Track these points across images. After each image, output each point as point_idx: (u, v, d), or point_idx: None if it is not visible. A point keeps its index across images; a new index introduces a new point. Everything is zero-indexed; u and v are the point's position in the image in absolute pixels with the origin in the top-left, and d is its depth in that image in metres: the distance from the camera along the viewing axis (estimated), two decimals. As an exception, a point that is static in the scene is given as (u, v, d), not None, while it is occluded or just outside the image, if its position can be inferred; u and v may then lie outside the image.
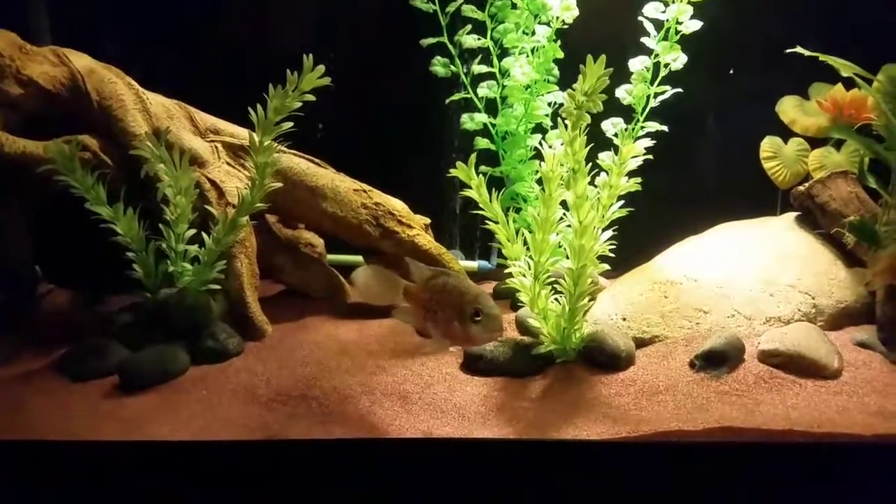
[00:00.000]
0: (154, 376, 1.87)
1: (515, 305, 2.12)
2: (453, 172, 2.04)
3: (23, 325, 2.20)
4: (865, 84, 2.08)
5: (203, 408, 1.78)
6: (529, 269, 1.93)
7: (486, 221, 2.05)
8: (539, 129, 2.41)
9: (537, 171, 2.41)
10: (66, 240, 2.23)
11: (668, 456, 1.58)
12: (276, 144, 2.00)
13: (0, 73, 2.02)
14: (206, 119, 2.26)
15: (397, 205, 2.37)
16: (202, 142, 2.21)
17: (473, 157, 2.02)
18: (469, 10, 2.29)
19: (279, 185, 2.10)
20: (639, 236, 2.37)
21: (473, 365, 1.94)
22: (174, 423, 1.71)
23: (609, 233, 1.93)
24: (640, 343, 2.02)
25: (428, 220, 2.47)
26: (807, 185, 2.28)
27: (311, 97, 1.92)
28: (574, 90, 1.74)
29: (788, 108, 2.55)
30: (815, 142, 2.49)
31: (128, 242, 2.02)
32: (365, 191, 2.35)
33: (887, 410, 1.72)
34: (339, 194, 2.31)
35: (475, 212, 2.11)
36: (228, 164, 2.23)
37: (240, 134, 2.29)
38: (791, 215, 2.39)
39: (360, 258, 2.53)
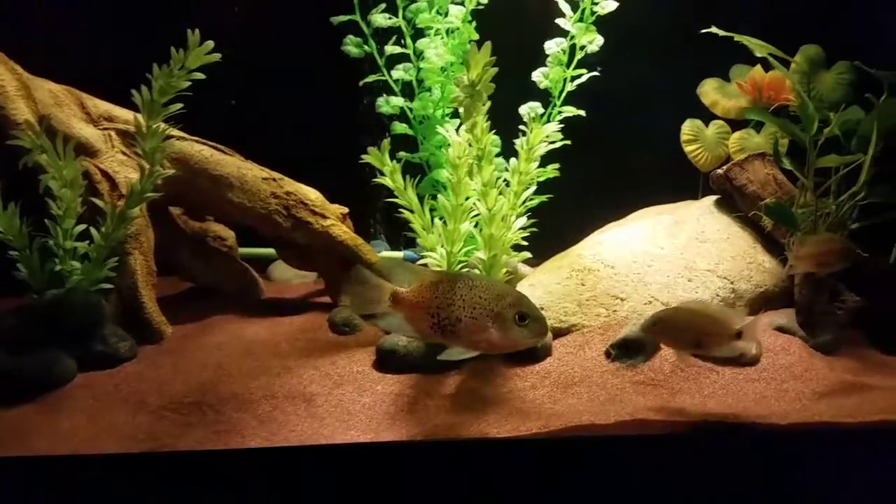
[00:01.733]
0: (36, 384, 1.72)
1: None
2: (366, 158, 1.94)
3: None
4: (780, 65, 2.05)
5: (88, 418, 1.65)
6: (441, 258, 1.85)
7: (401, 210, 1.96)
8: (458, 113, 2.31)
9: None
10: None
11: (574, 451, 1.52)
12: (168, 128, 1.86)
13: None
14: (100, 105, 2.09)
15: (310, 194, 2.24)
16: (94, 130, 2.04)
17: (387, 142, 1.92)
18: None
19: (170, 172, 1.96)
20: (568, 222, 2.33)
21: (386, 362, 1.85)
22: (54, 436, 1.57)
23: (523, 220, 1.86)
24: (558, 332, 1.96)
25: (346, 210, 2.35)
26: (724, 167, 2.26)
27: (200, 75, 1.78)
28: (463, 77, 1.66)
29: (709, 91, 2.52)
30: (736, 124, 2.47)
31: (9, 240, 1.85)
32: (275, 179, 2.22)
33: (805, 397, 1.70)
34: (246, 183, 2.17)
35: (389, 200, 2.01)
36: (124, 153, 2.07)
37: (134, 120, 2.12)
38: (710, 199, 2.36)
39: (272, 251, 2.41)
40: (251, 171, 2.20)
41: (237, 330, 2.10)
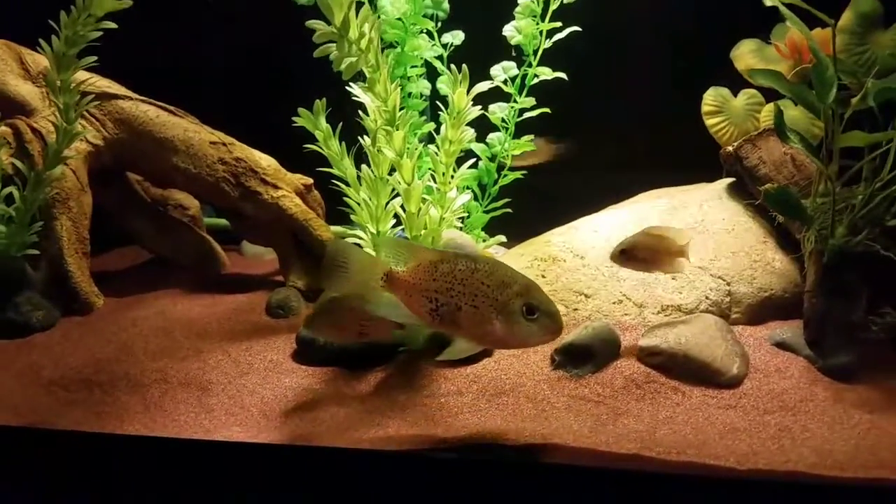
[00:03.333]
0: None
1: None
2: (298, 121, 1.72)
3: None
4: (795, 18, 1.62)
5: (-22, 389, 1.57)
6: (368, 240, 1.61)
7: (336, 182, 1.73)
8: (434, 73, 2.04)
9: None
10: None
11: (455, 472, 1.26)
12: (88, 83, 1.72)
13: None
14: (41, 61, 1.99)
15: (262, 161, 2.06)
16: (32, 87, 1.95)
17: (322, 102, 1.69)
18: None
19: (85, 131, 1.82)
20: (561, 204, 2.03)
21: (304, 353, 1.65)
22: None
23: (465, 197, 1.58)
24: (507, 331, 1.68)
25: (309, 181, 2.15)
26: (734, 144, 1.86)
27: (111, 24, 1.63)
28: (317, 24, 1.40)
29: (745, 54, 2.08)
30: (772, 95, 2.04)
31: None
32: (224, 144, 2.05)
33: (789, 434, 1.34)
34: (192, 147, 2.02)
35: (323, 169, 1.78)
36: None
37: (82, 79, 2.01)
38: (723, 182, 1.97)
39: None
40: (198, 135, 2.04)
41: (168, 306, 1.96)
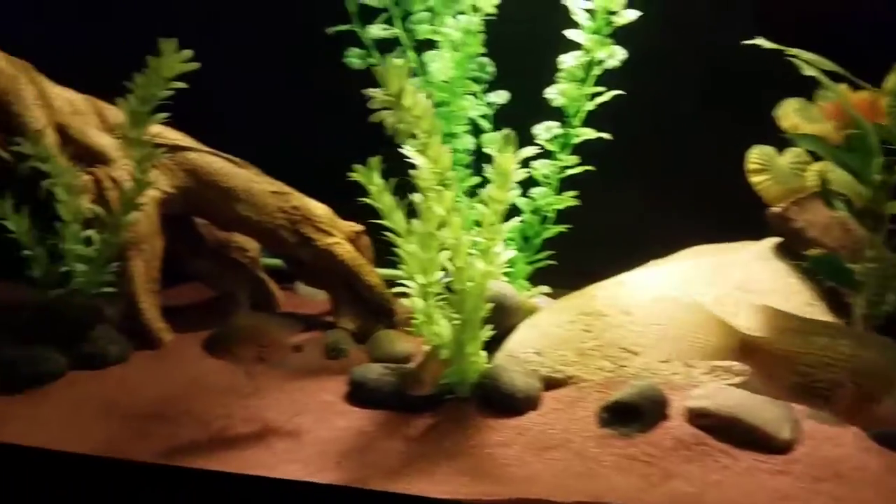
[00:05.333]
0: (27, 379, 1.81)
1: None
2: (353, 176, 1.84)
3: None
4: (832, 84, 1.67)
5: (64, 416, 1.70)
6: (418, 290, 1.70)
7: (390, 233, 1.83)
8: (476, 130, 2.16)
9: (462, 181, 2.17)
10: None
11: None
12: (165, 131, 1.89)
13: None
14: (118, 115, 2.17)
15: (317, 209, 2.19)
16: (110, 138, 2.13)
17: (378, 159, 1.81)
18: None
19: (159, 180, 1.97)
20: (607, 253, 2.09)
21: (356, 394, 1.74)
22: (26, 427, 1.63)
23: (511, 252, 1.66)
24: (552, 384, 1.73)
25: (360, 228, 2.27)
26: (782, 205, 1.90)
27: (181, 84, 1.79)
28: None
29: (790, 113, 2.13)
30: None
31: (21, 240, 1.97)
32: (283, 193, 2.20)
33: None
34: (254, 196, 2.16)
35: (376, 221, 1.89)
36: (139, 162, 2.14)
37: (155, 131, 2.19)
38: (771, 241, 2.01)
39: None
40: (259, 185, 2.19)
41: (230, 343, 2.08)
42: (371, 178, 1.82)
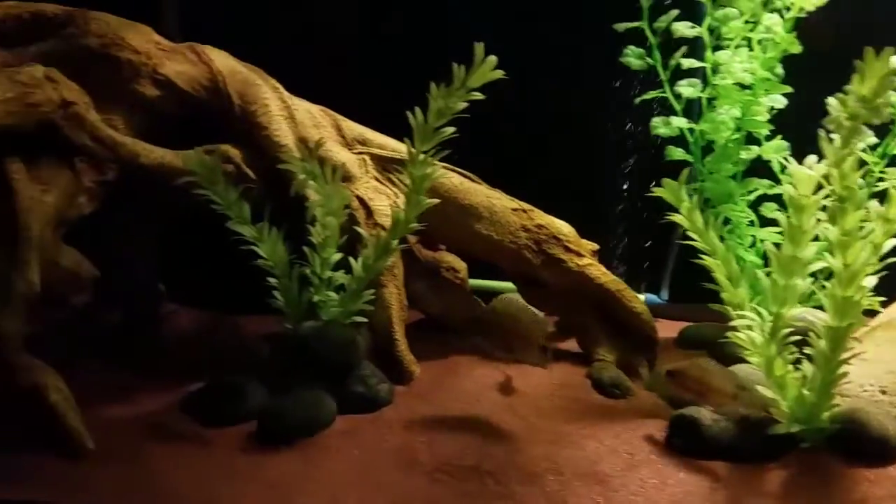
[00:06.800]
0: (299, 428, 1.60)
1: (723, 357, 1.71)
2: (657, 192, 1.66)
3: (141, 352, 1.97)
4: None
5: (357, 474, 1.49)
6: (763, 321, 1.53)
7: (701, 255, 1.66)
8: (751, 139, 1.99)
9: (751, 192, 2.00)
10: (197, 256, 2.01)
11: None
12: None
13: (135, 73, 1.80)
14: (353, 128, 1.98)
15: (563, 228, 2.01)
16: (350, 154, 1.93)
17: (685, 173, 1.63)
18: None
19: (436, 201, 1.79)
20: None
21: (685, 442, 1.55)
22: (327, 493, 1.42)
23: (873, 280, 1.49)
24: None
25: (596, 247, 2.10)
26: None
27: (479, 95, 1.60)
28: (846, 94, 1.34)
29: None
30: None
31: (271, 267, 1.76)
32: (525, 210, 2.01)
33: None
34: (495, 214, 1.98)
35: (682, 241, 1.72)
36: (376, 179, 1.94)
37: (387, 145, 2.00)
38: None
39: (507, 285, 2.20)
40: (500, 202, 2.00)
41: (485, 376, 1.89)
42: (679, 195, 1.65)
